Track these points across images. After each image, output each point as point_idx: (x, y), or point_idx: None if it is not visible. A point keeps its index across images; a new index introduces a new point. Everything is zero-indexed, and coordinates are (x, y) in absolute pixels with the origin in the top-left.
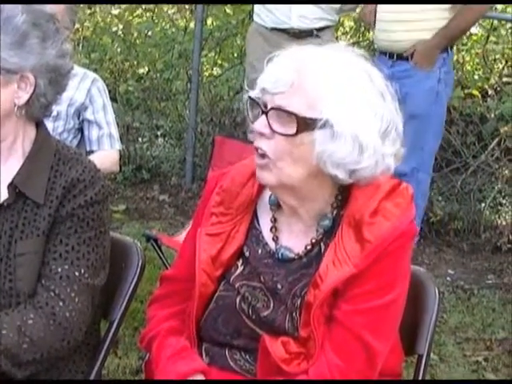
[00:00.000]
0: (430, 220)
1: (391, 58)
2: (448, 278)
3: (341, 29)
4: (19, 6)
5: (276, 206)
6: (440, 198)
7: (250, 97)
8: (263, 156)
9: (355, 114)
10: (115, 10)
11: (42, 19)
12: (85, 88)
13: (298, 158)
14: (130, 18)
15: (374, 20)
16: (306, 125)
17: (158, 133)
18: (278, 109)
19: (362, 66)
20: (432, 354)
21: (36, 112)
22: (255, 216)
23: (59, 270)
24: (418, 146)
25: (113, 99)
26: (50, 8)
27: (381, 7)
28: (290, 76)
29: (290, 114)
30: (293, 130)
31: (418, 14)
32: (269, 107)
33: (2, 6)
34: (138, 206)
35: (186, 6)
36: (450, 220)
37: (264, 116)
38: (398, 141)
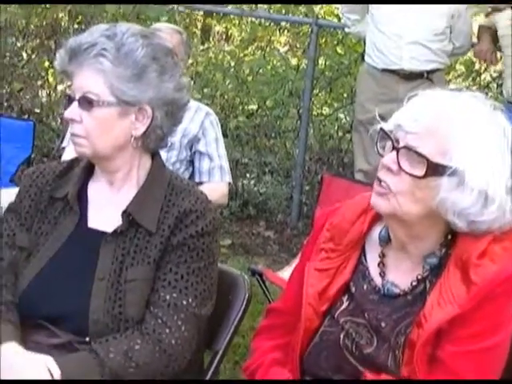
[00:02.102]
0: None
1: None
2: None
3: (452, 72)
4: (140, 40)
5: (385, 241)
6: None
7: (382, 129)
8: (386, 188)
9: (485, 167)
10: (228, 46)
11: (160, 53)
12: (198, 120)
13: (420, 199)
14: (242, 55)
15: (492, 58)
16: (435, 170)
17: (266, 169)
18: (411, 149)
19: (497, 119)
20: None
21: (152, 143)
22: (363, 252)
23: (167, 297)
24: None
25: (223, 134)
26: (168, 42)
27: (507, 61)
28: (428, 119)
29: (421, 156)
30: (421, 173)
31: None
32: (401, 144)
33: (123, 39)
34: (243, 241)
35: (298, 45)
36: None
37: (395, 152)
38: None
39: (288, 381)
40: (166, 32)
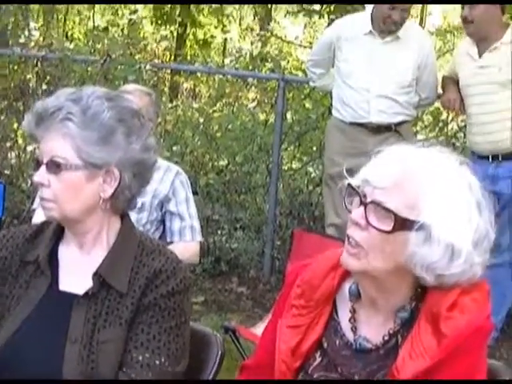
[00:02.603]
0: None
1: (495, 160)
2: None
3: (420, 123)
4: (105, 103)
5: (356, 296)
6: None
7: (350, 184)
8: (355, 245)
9: (452, 221)
10: (196, 103)
11: (126, 115)
12: (168, 180)
13: (389, 254)
14: (211, 111)
15: (460, 107)
16: (402, 225)
17: (237, 225)
18: (379, 204)
19: (463, 173)
20: None
21: (121, 205)
22: (334, 308)
23: (140, 358)
24: None
25: (194, 192)
26: (136, 104)
27: (473, 110)
28: (395, 174)
29: (388, 211)
30: (389, 228)
31: (508, 111)
32: (369, 200)
33: (88, 102)
34: (216, 297)
35: (266, 100)
36: None
37: (362, 207)
38: (488, 251)
39: (288, 381)
40: (135, 94)
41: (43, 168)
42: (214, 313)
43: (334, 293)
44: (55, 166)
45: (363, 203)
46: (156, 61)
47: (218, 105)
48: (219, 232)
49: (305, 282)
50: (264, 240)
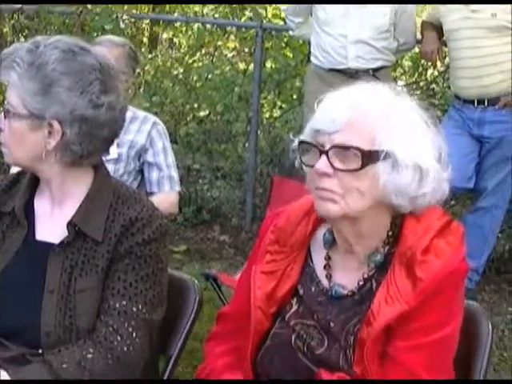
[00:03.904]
0: (489, 257)
1: (480, 104)
2: (508, 316)
3: (399, 69)
4: (57, 54)
5: (330, 244)
6: (500, 236)
7: (304, 141)
8: (329, 191)
9: (412, 143)
10: (175, 54)
11: (76, 69)
12: (145, 131)
13: (364, 191)
14: (190, 61)
15: (436, 58)
16: (369, 158)
17: (219, 174)
18: (341, 146)
19: (404, 98)
20: None
21: (71, 158)
22: (309, 254)
23: (117, 305)
24: (505, 186)
25: (173, 141)
26: (100, 57)
27: (462, 54)
28: (345, 114)
29: (353, 149)
30: (357, 165)
31: (502, 56)
32: (328, 147)
33: (41, 52)
34: (198, 246)
35: (246, 50)
36: (511, 257)
37: (324, 156)
38: (449, 165)
39: (287, 381)
40: (105, 45)
41: (2, 114)
42: (196, 261)
43: (308, 239)
44: (7, 113)
45: (323, 152)
46: (134, 11)
47: (197, 55)
48: (200, 181)
49: (278, 228)
50: (245, 188)
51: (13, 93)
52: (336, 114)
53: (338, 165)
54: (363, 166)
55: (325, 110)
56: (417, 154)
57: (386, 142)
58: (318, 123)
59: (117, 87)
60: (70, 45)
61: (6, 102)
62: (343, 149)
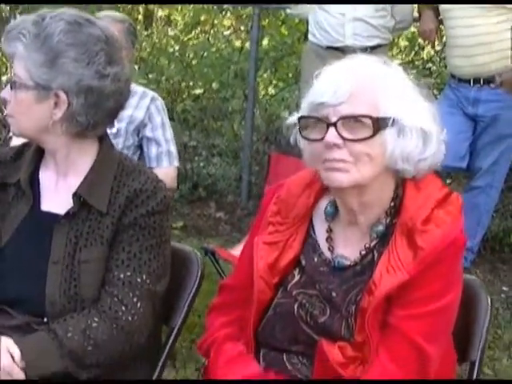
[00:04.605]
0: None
1: (476, 83)
2: (502, 295)
3: (395, 48)
4: (63, 26)
5: (332, 216)
6: (495, 215)
7: (304, 116)
8: (339, 161)
9: (413, 107)
10: (172, 31)
11: (82, 40)
12: (144, 106)
13: (374, 157)
14: (186, 39)
15: (434, 37)
16: (379, 125)
17: (215, 151)
18: (350, 117)
19: (394, 66)
20: (486, 369)
21: (77, 129)
22: (311, 225)
23: (122, 275)
24: (500, 165)
25: (170, 118)
26: (102, 30)
27: (457, 32)
28: (347, 85)
29: (364, 117)
30: (368, 133)
31: (497, 35)
32: (334, 119)
33: (47, 24)
34: (195, 223)
35: (242, 28)
36: (505, 236)
37: (332, 128)
38: (444, 128)
39: (285, 380)
40: (106, 21)
41: (9, 85)
42: (192, 237)
43: (311, 210)
44: (14, 84)
45: (331, 124)
46: None
47: (193, 32)
48: (196, 158)
49: (281, 199)
50: (241, 165)
51: (19, 64)
52: (338, 85)
53: (346, 135)
54: (374, 133)
55: (325, 83)
56: (419, 118)
57: (391, 109)
58: (320, 97)
59: (121, 59)
60: (75, 16)
61: (12, 74)
62: (352, 119)
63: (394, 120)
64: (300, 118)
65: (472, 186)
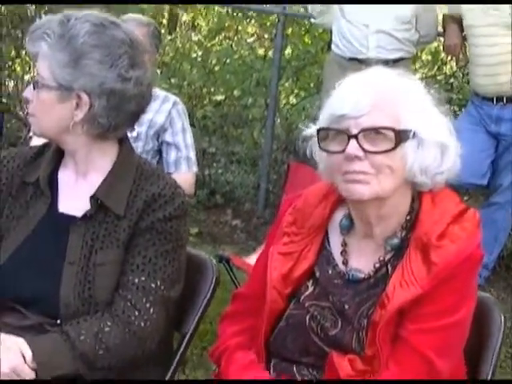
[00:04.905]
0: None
1: (499, 102)
2: None
3: (418, 62)
4: (88, 27)
5: (347, 229)
6: (510, 233)
7: (324, 128)
8: (360, 173)
9: (432, 120)
10: (195, 36)
11: (106, 42)
12: (165, 110)
13: (396, 169)
14: (209, 44)
15: (459, 53)
16: (400, 137)
17: (234, 159)
18: (372, 129)
19: (411, 79)
20: None
21: (98, 130)
22: (326, 237)
23: (136, 280)
24: None
25: (190, 124)
26: (127, 33)
27: (481, 51)
28: (367, 97)
29: (386, 129)
30: (390, 145)
31: None
32: (355, 131)
33: (72, 25)
34: (210, 229)
35: (266, 36)
36: None
37: (353, 140)
38: (461, 144)
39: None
40: (130, 24)
41: (31, 85)
42: (207, 244)
43: (326, 221)
44: (36, 84)
45: (352, 136)
46: None
47: (217, 38)
48: (215, 165)
49: (297, 210)
50: (260, 174)
51: (43, 64)
52: (359, 97)
53: (368, 147)
54: (396, 145)
55: (345, 95)
56: (437, 131)
57: (411, 122)
58: (340, 109)
59: (144, 62)
60: (100, 19)
61: (35, 73)
62: (374, 131)
63: (414, 133)
64: (319, 130)
65: (491, 202)
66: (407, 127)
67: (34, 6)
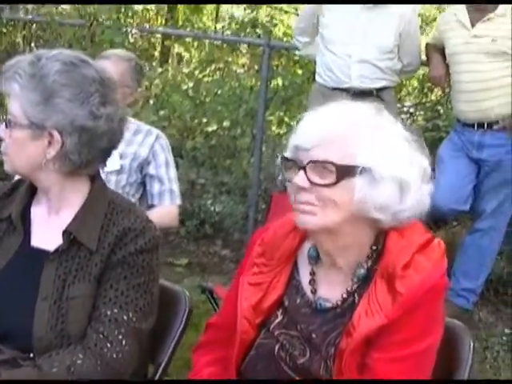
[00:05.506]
0: (488, 278)
1: (480, 128)
2: (504, 338)
3: (404, 89)
4: (59, 67)
5: (315, 259)
6: (499, 257)
7: (284, 157)
8: (306, 204)
9: (389, 157)
10: (186, 68)
11: (78, 81)
12: (148, 144)
13: (340, 204)
14: (200, 76)
15: (444, 83)
16: (344, 172)
17: (223, 189)
18: (316, 161)
19: (382, 114)
20: None
21: (70, 168)
22: (296, 267)
23: (108, 312)
24: (504, 208)
25: (179, 156)
26: (110, 71)
27: (462, 78)
28: (320, 130)
29: (327, 163)
30: (332, 179)
31: (500, 80)
32: (305, 162)
33: (43, 64)
34: (200, 260)
35: (256, 67)
36: (509, 279)
37: (302, 171)
38: (431, 179)
39: (284, 381)
40: (111, 59)
41: (4, 123)
42: (196, 275)
43: (295, 252)
44: (9, 123)
45: (301, 167)
46: (146, 25)
47: (207, 70)
48: (204, 196)
49: (266, 241)
50: (248, 204)
51: (15, 103)
52: (312, 130)
53: (315, 179)
54: (338, 180)
55: (304, 126)
56: (397, 169)
57: (364, 158)
58: (297, 139)
59: (115, 100)
60: (70, 57)
61: (7, 113)
62: (319, 163)
63: (363, 169)
64: (281, 159)
65: (476, 229)
66: (355, 163)
67: (22, 42)
